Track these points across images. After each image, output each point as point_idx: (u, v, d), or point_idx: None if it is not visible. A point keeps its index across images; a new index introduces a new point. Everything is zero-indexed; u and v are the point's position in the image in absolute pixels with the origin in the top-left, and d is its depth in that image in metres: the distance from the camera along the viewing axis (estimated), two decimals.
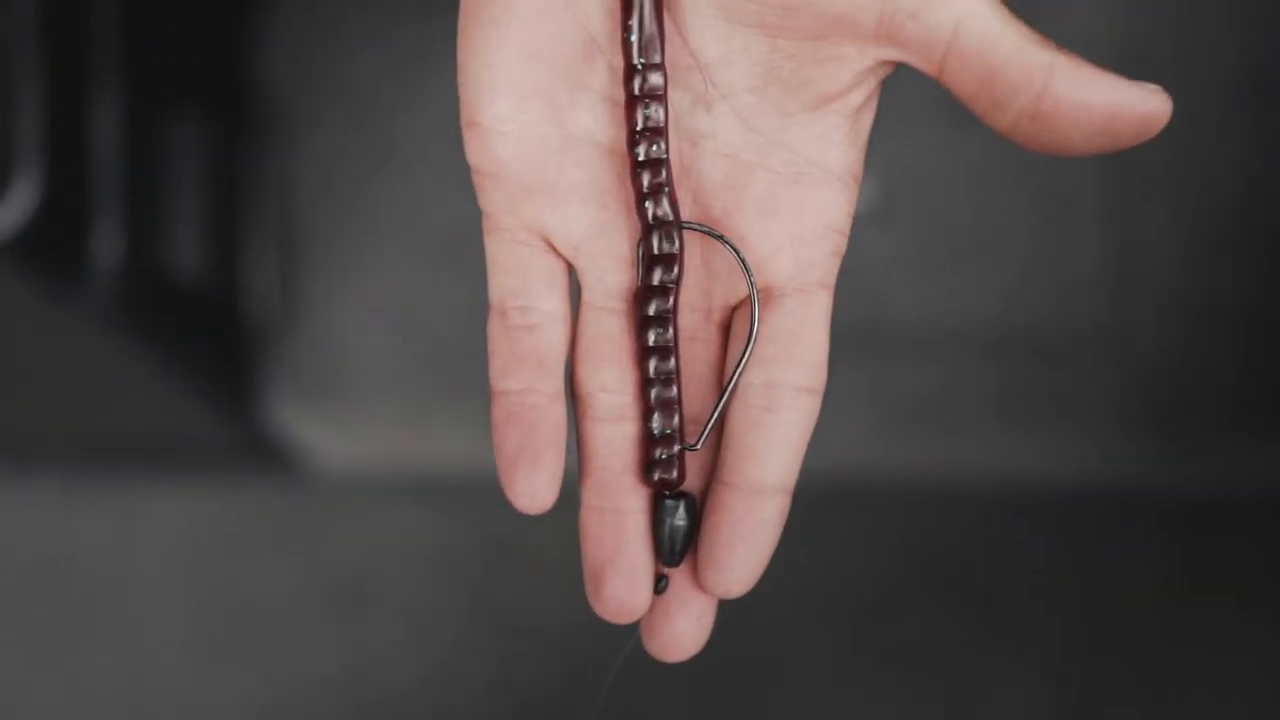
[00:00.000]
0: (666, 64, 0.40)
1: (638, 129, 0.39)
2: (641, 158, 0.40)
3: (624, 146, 0.40)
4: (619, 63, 0.40)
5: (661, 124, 0.40)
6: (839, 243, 0.41)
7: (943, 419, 1.03)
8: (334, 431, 1.07)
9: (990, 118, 0.39)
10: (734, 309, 0.41)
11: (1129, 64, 1.01)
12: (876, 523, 1.04)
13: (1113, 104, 0.38)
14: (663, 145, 0.40)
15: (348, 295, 1.06)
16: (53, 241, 0.87)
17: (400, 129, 1.05)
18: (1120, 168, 1.02)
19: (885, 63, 0.39)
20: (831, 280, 0.41)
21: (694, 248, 0.41)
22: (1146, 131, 0.39)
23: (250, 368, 1.06)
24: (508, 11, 0.39)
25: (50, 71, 0.85)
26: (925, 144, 1.01)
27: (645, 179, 0.40)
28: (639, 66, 0.39)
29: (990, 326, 1.02)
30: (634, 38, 0.39)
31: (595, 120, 0.40)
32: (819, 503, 0.90)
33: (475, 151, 0.40)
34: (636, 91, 0.39)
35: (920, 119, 1.02)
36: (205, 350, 1.03)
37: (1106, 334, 1.02)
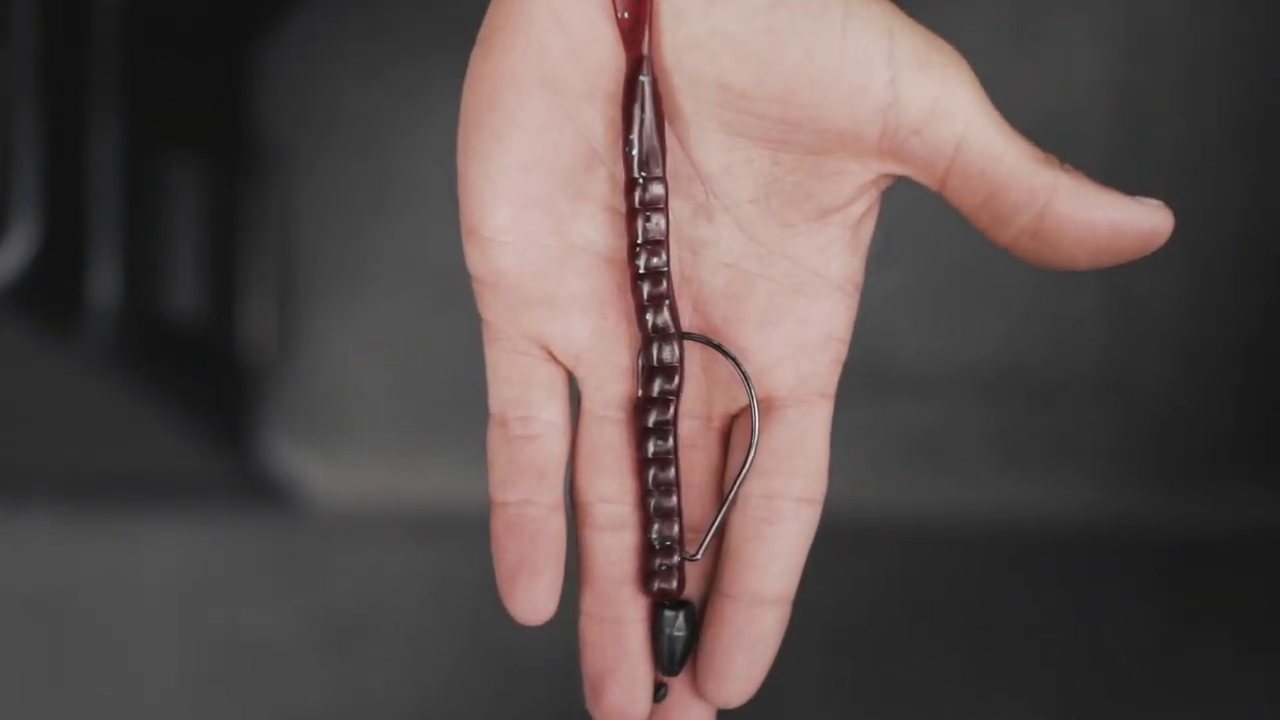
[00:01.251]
0: (667, 175, 0.39)
1: (638, 240, 0.39)
2: (642, 269, 0.40)
3: (625, 255, 0.40)
4: (620, 172, 0.40)
5: (662, 235, 0.39)
6: (840, 351, 0.41)
7: (940, 458, 1.03)
8: (331, 467, 1.07)
9: (992, 233, 0.39)
10: (734, 416, 0.41)
11: (1128, 107, 1.01)
12: (872, 561, 1.04)
13: (1115, 222, 0.38)
14: (664, 256, 0.40)
15: (345, 332, 1.06)
16: (50, 284, 0.87)
17: (398, 167, 1.05)
18: None
19: (887, 175, 0.39)
20: (832, 389, 0.41)
21: (694, 356, 0.41)
22: (1149, 246, 0.39)
23: (248, 404, 1.06)
24: (509, 123, 0.39)
25: (49, 116, 0.85)
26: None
27: (645, 289, 0.40)
28: (640, 180, 0.39)
29: (988, 366, 1.02)
30: (635, 152, 0.39)
31: (596, 229, 0.40)
32: (815, 540, 0.90)
33: (475, 260, 0.40)
34: (637, 204, 0.39)
35: None
36: (203, 388, 1.03)
37: (1104, 375, 1.02)
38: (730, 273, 0.40)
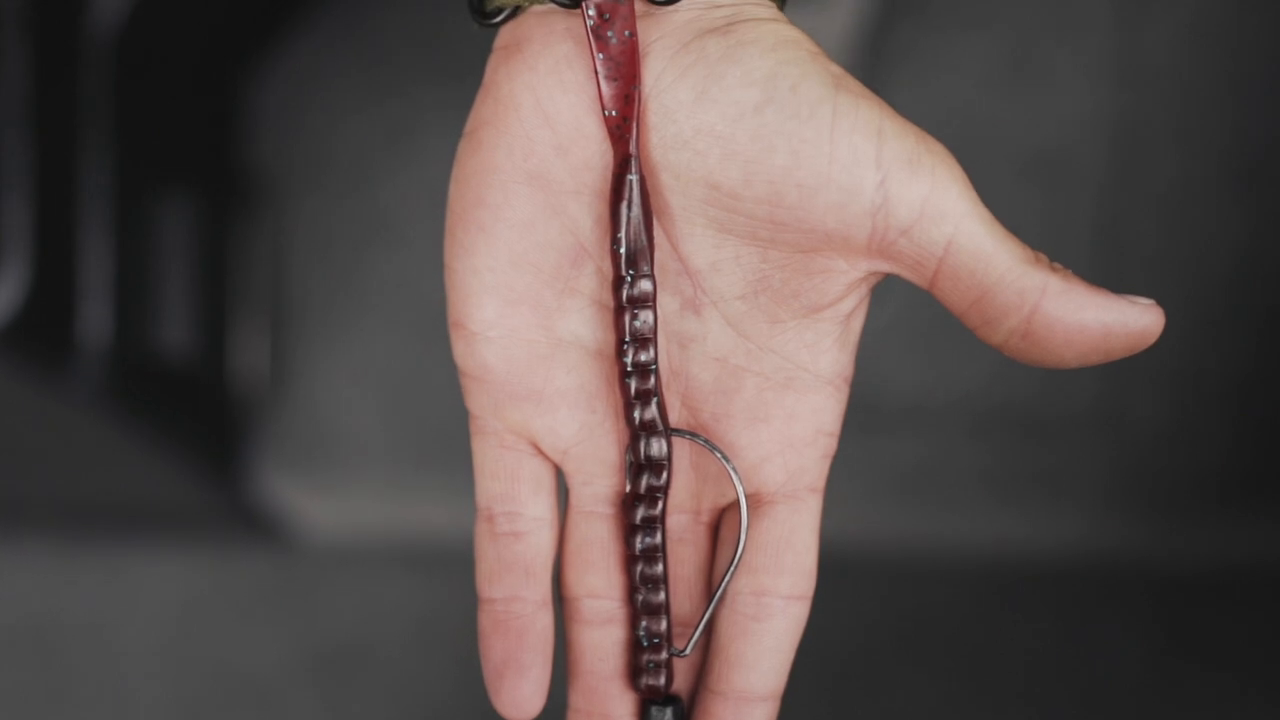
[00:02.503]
0: (655, 270, 0.39)
1: (626, 336, 0.39)
2: (630, 365, 0.39)
3: (613, 350, 0.40)
4: (608, 267, 0.39)
5: (650, 331, 0.39)
6: (830, 445, 0.40)
7: (932, 492, 1.03)
8: (321, 500, 1.07)
9: (982, 334, 0.39)
10: (723, 510, 0.41)
11: (1122, 142, 1.01)
12: (863, 593, 1.04)
13: (1105, 323, 0.38)
14: (651, 352, 0.39)
15: (336, 365, 1.06)
16: (41, 324, 0.87)
17: (389, 201, 1.05)
18: (1113, 246, 1.01)
19: (876, 273, 0.39)
20: (821, 483, 0.41)
21: (683, 451, 0.41)
22: (1140, 346, 0.38)
23: (239, 438, 1.06)
24: (496, 219, 0.39)
25: (39, 156, 0.85)
26: None
27: (633, 385, 0.39)
28: (627, 277, 0.39)
29: (981, 402, 1.01)
30: (622, 250, 0.38)
31: (584, 324, 0.40)
32: None
33: (462, 354, 0.40)
34: (625, 300, 0.39)
35: None
36: (194, 422, 1.03)
37: (1096, 411, 1.02)
38: (719, 367, 0.40)
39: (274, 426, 1.06)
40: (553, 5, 0.38)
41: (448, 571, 1.07)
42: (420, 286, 1.04)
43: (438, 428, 1.05)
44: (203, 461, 1.04)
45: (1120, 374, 1.02)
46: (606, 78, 0.37)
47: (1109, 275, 1.02)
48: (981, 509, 1.02)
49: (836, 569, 1.08)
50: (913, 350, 1.01)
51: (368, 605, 1.09)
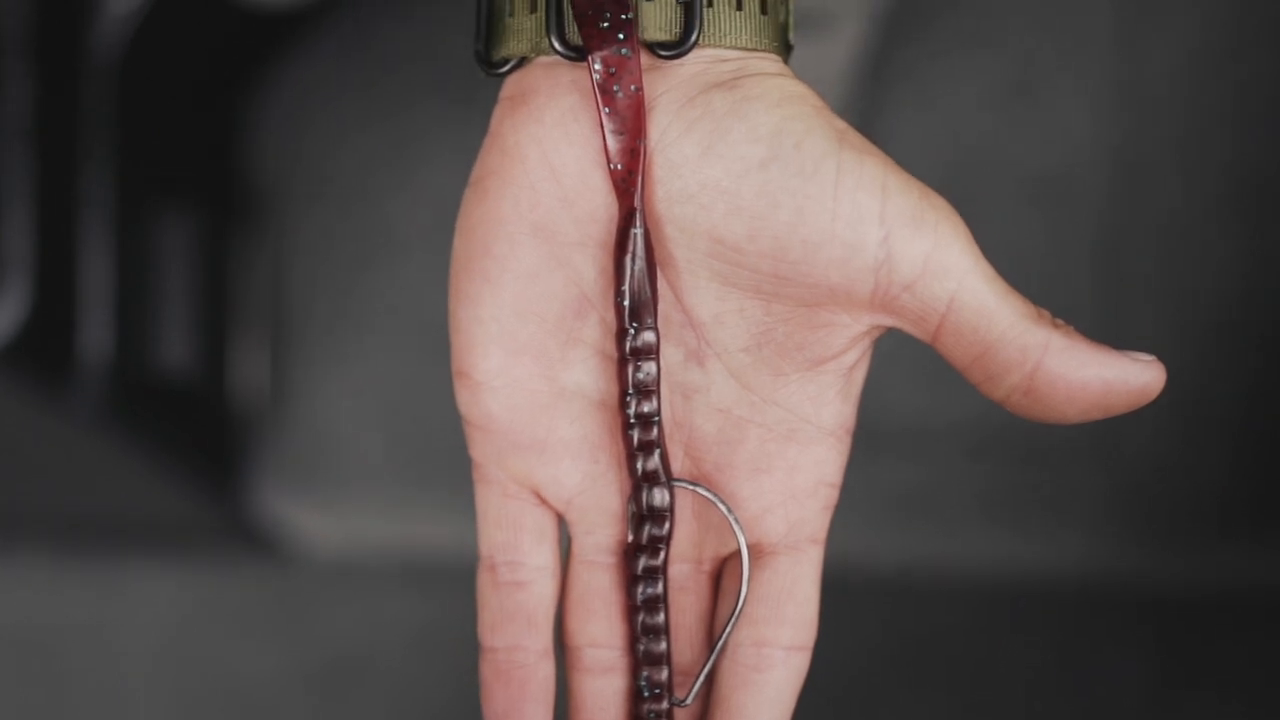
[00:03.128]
0: (659, 321, 0.39)
1: (629, 388, 0.39)
2: (633, 416, 0.39)
3: (616, 399, 0.40)
4: (612, 318, 0.39)
5: (653, 382, 0.39)
6: (831, 496, 0.41)
7: (931, 515, 1.03)
8: (320, 515, 1.07)
9: (984, 389, 0.39)
10: (725, 560, 0.41)
11: (1123, 166, 1.01)
12: (862, 616, 1.04)
13: (1107, 380, 0.38)
14: (654, 403, 0.39)
15: (337, 381, 1.06)
16: (41, 343, 0.87)
17: (390, 218, 1.05)
18: (1113, 269, 1.02)
19: (879, 326, 0.39)
20: (823, 534, 0.41)
21: (685, 501, 0.41)
22: (1141, 402, 0.38)
23: (239, 454, 1.06)
24: (500, 269, 0.39)
25: (40, 174, 0.85)
26: None
27: (636, 436, 0.40)
28: (631, 329, 0.39)
29: (980, 426, 1.02)
30: (626, 303, 0.39)
31: (587, 374, 0.40)
32: None
33: (465, 403, 0.40)
34: (628, 351, 0.39)
35: None
36: (194, 438, 1.03)
37: (1094, 436, 1.02)
38: (722, 418, 0.40)
39: (274, 442, 1.06)
40: (559, 57, 0.39)
41: (445, 587, 1.08)
42: (421, 303, 1.04)
43: (437, 444, 1.05)
44: (202, 477, 1.04)
45: None
46: (612, 132, 0.38)
47: (1109, 298, 1.02)
48: (981, 532, 1.02)
49: (836, 590, 1.08)
50: (913, 374, 1.01)
51: (365, 620, 1.09)
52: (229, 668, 1.09)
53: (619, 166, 0.38)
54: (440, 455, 1.05)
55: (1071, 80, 1.02)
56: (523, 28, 0.39)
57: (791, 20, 0.41)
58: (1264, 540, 1.02)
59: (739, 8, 0.39)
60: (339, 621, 1.09)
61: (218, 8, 0.93)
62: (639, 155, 0.38)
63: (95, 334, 0.90)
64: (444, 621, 1.08)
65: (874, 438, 1.01)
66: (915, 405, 1.02)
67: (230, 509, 1.06)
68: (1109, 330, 1.02)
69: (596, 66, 0.38)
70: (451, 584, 1.08)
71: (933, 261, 0.38)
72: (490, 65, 0.40)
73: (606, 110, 0.38)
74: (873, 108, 1.01)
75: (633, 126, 0.38)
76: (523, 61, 0.40)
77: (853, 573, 1.03)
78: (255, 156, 1.05)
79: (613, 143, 0.38)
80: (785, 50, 0.40)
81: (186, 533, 1.11)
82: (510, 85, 0.40)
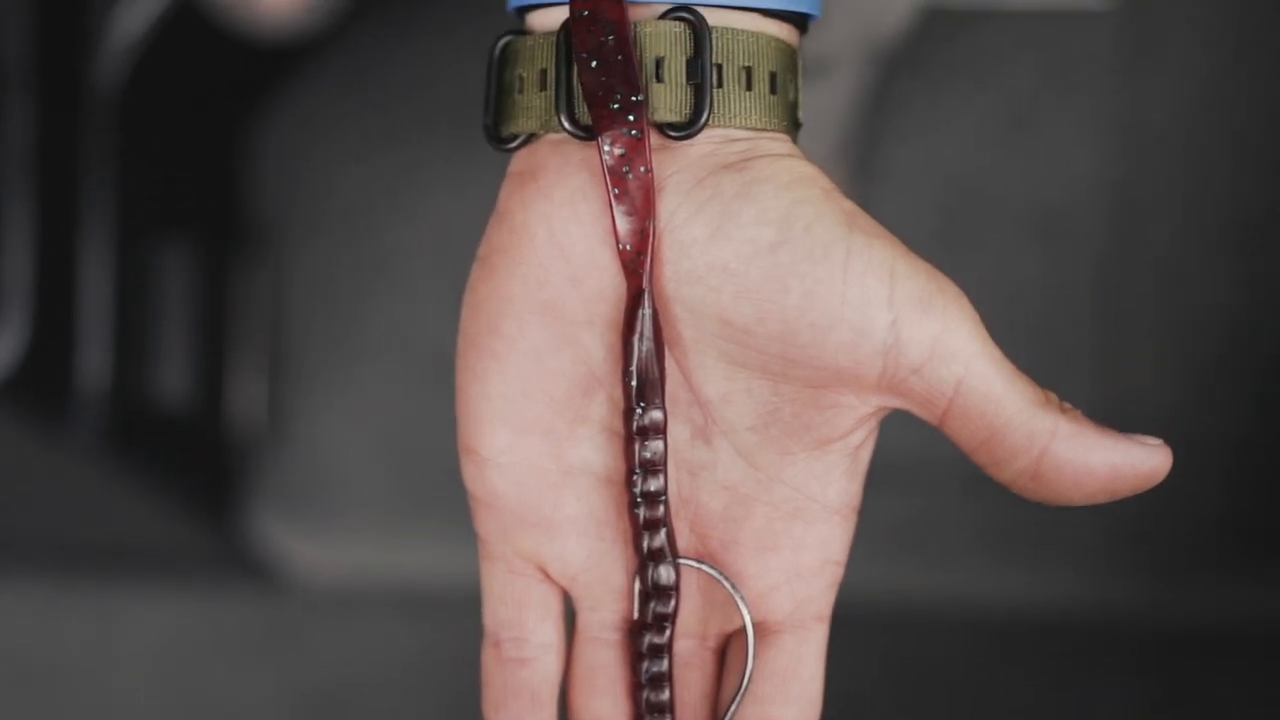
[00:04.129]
0: (666, 399, 0.39)
1: (636, 466, 0.39)
2: (639, 494, 0.39)
3: (622, 477, 0.40)
4: (619, 395, 0.39)
5: (660, 460, 0.39)
6: (837, 574, 0.41)
7: (926, 548, 1.03)
8: (317, 543, 1.07)
9: (990, 471, 0.39)
10: (730, 636, 0.41)
11: (1123, 202, 1.01)
12: (857, 648, 1.04)
13: (1114, 465, 0.38)
14: (661, 480, 0.39)
15: (334, 410, 1.06)
16: (39, 373, 0.87)
17: (389, 247, 1.05)
18: (1110, 308, 1.02)
19: (886, 407, 0.39)
20: (828, 612, 0.41)
21: (691, 577, 0.41)
22: (1147, 486, 0.39)
23: (236, 482, 1.06)
24: (509, 347, 0.39)
25: (40, 207, 0.85)
26: None
27: (642, 514, 0.40)
28: (638, 409, 0.39)
29: None
30: (633, 383, 0.39)
31: (594, 451, 0.40)
32: None
33: (472, 479, 0.40)
34: (635, 430, 0.39)
35: (909, 246, 1.02)
36: (191, 467, 1.03)
37: None
38: (728, 496, 0.40)
39: (271, 470, 1.06)
40: (567, 134, 0.39)
41: (441, 617, 1.08)
42: (419, 334, 1.04)
43: (433, 473, 1.05)
44: (199, 504, 1.04)
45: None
46: (622, 213, 0.38)
47: (1108, 333, 1.02)
48: (977, 565, 1.02)
49: (834, 623, 1.08)
50: None
51: (361, 648, 1.09)
52: (224, 695, 1.09)
53: (628, 247, 0.38)
54: (436, 484, 1.05)
55: (1071, 115, 1.02)
56: (532, 105, 0.39)
57: (800, 98, 0.41)
58: (1260, 574, 1.03)
59: (749, 88, 0.39)
60: (335, 649, 1.09)
61: (218, 40, 0.93)
62: (648, 236, 0.38)
63: (94, 363, 0.90)
64: (439, 650, 1.08)
65: (872, 470, 1.01)
66: (912, 438, 1.02)
67: (227, 536, 1.06)
68: (1107, 364, 1.02)
69: (606, 148, 0.38)
70: (447, 613, 1.08)
71: (940, 345, 0.38)
72: (499, 140, 0.40)
73: (616, 191, 0.38)
74: (872, 141, 1.01)
75: (642, 208, 0.38)
76: (531, 137, 0.40)
77: (849, 604, 1.02)
78: (254, 186, 1.05)
79: (622, 224, 0.38)
80: (794, 128, 0.40)
81: (183, 560, 1.11)
82: (518, 161, 0.40)
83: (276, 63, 1.02)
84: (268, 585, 1.07)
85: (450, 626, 1.09)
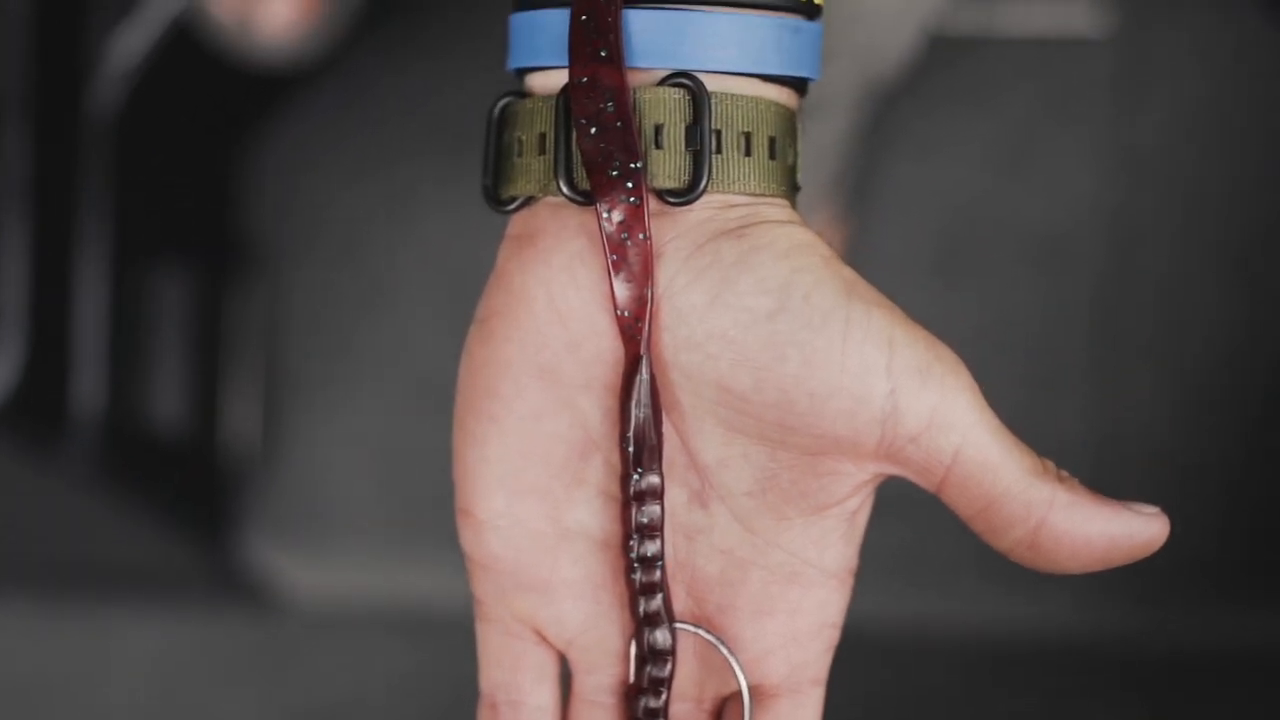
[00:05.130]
0: (663, 465, 0.39)
1: (632, 531, 0.39)
2: (636, 558, 0.39)
3: (619, 540, 0.40)
4: (616, 459, 0.39)
5: (657, 525, 0.39)
6: (833, 637, 0.41)
7: (923, 575, 1.03)
8: (309, 565, 1.07)
9: (987, 539, 0.39)
10: (725, 699, 0.41)
11: (1119, 235, 1.01)
12: (854, 675, 1.04)
13: (1112, 536, 0.38)
14: (658, 544, 0.39)
15: (328, 433, 1.06)
16: (34, 399, 0.87)
17: (383, 272, 1.05)
18: (1106, 335, 1.02)
19: (884, 474, 0.39)
20: (824, 675, 0.41)
21: (688, 641, 0.41)
22: (1143, 555, 0.39)
23: (229, 504, 1.06)
24: (506, 410, 0.39)
25: (36, 234, 0.85)
26: (913, 297, 1.01)
27: (639, 578, 0.40)
28: (635, 474, 0.39)
29: None
30: (631, 449, 0.39)
31: (591, 515, 0.40)
32: None
33: (468, 541, 0.40)
34: (632, 495, 0.39)
35: (909, 276, 1.02)
36: (186, 489, 1.03)
37: None
38: (725, 560, 0.40)
39: (265, 492, 1.06)
40: (566, 199, 0.39)
41: (433, 638, 1.08)
42: (413, 357, 1.04)
43: (426, 496, 1.05)
44: (193, 527, 1.04)
45: (1112, 460, 1.02)
46: (621, 279, 0.38)
47: (1105, 359, 1.02)
48: (974, 592, 1.03)
49: None
50: None
51: (354, 670, 1.09)
52: (217, 715, 1.09)
53: (626, 313, 0.38)
54: (428, 506, 1.04)
55: (1069, 141, 1.02)
56: (531, 168, 0.39)
57: (799, 161, 0.41)
58: (1255, 601, 1.03)
59: (748, 154, 0.39)
60: (328, 671, 1.09)
61: (213, 66, 0.93)
62: (646, 303, 0.38)
63: (89, 386, 0.90)
64: (431, 671, 1.08)
65: None
66: None
67: (221, 558, 1.06)
68: (1104, 388, 1.02)
69: (605, 214, 0.38)
70: (439, 634, 1.08)
71: (938, 415, 0.37)
72: (498, 202, 0.40)
73: (614, 258, 0.38)
74: (870, 167, 1.01)
75: (640, 274, 0.38)
76: (530, 200, 0.40)
77: (845, 631, 1.03)
78: (249, 211, 1.05)
79: (620, 290, 0.38)
80: (793, 192, 0.40)
81: (176, 581, 1.10)
82: (517, 223, 0.40)
83: (271, 88, 1.02)
84: (261, 606, 1.07)
85: (442, 647, 1.08)
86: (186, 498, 1.03)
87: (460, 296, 1.04)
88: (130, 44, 0.88)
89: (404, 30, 1.04)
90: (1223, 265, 1.01)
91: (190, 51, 0.91)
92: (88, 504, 0.98)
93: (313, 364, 1.05)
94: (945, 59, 1.00)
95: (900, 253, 1.02)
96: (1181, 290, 1.01)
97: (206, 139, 1.01)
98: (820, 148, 0.87)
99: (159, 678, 1.09)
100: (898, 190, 1.02)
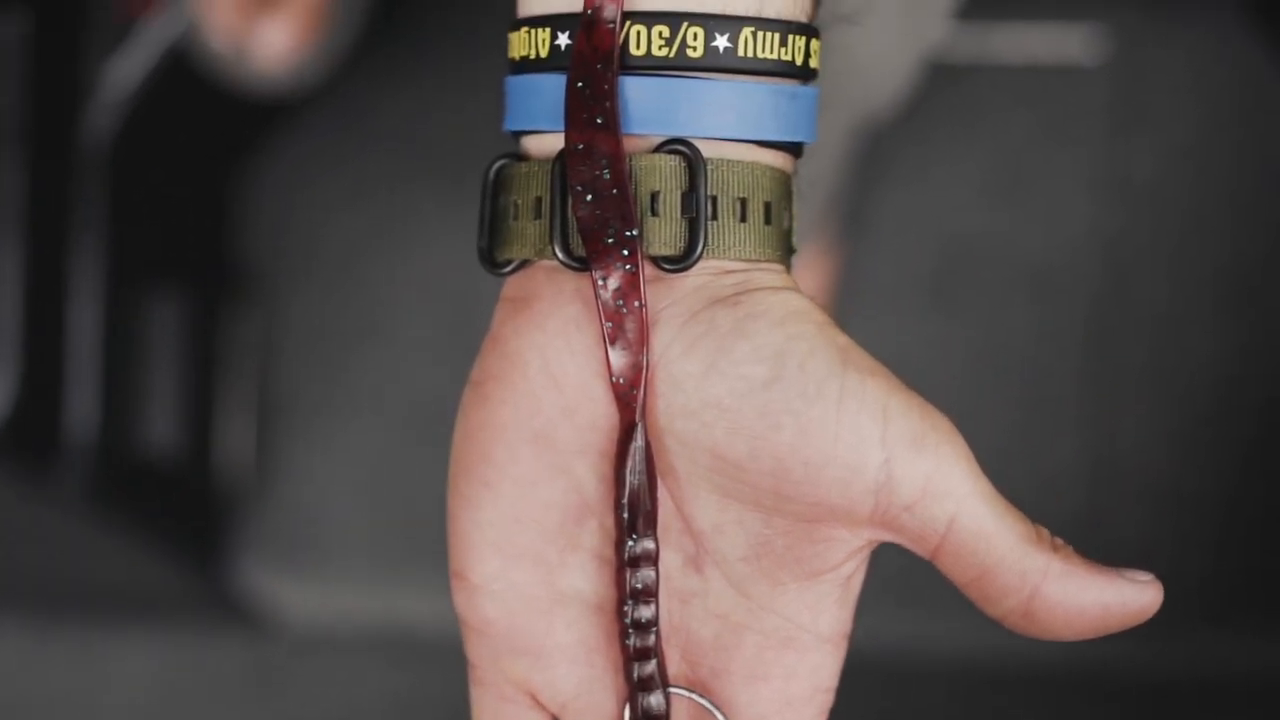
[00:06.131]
0: (658, 530, 0.39)
1: (627, 595, 0.39)
2: (630, 622, 0.39)
3: (613, 604, 0.40)
4: (610, 523, 0.39)
5: (652, 589, 0.39)
6: (826, 701, 0.41)
7: (918, 599, 1.03)
8: (303, 590, 1.07)
9: (981, 606, 0.39)
10: None
11: (1114, 262, 1.01)
12: (849, 699, 1.04)
13: (1106, 604, 0.38)
14: (652, 609, 0.39)
15: (321, 458, 1.06)
16: (27, 426, 0.87)
17: (378, 298, 1.05)
18: (1101, 362, 1.02)
19: (878, 539, 0.39)
20: None
21: (681, 705, 0.41)
22: (1138, 621, 0.39)
23: (222, 528, 1.05)
24: (500, 476, 0.39)
25: (31, 261, 0.85)
26: (909, 330, 1.01)
27: (633, 642, 0.40)
28: (630, 540, 0.39)
29: None
30: (626, 515, 0.39)
31: (585, 579, 0.40)
32: None
33: (462, 605, 0.40)
34: (626, 559, 0.39)
35: (903, 304, 1.02)
36: (179, 515, 1.03)
37: (1082, 524, 1.02)
38: (719, 624, 0.40)
39: (258, 518, 1.06)
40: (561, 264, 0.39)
41: (426, 662, 1.07)
42: (407, 382, 1.04)
43: (419, 521, 1.05)
44: (187, 552, 1.04)
45: (1105, 490, 1.02)
46: (616, 347, 0.38)
47: (1098, 390, 1.02)
48: (969, 616, 1.02)
49: None
50: None
51: (346, 695, 1.09)
52: None
53: (621, 380, 0.38)
54: (422, 531, 1.04)
55: (1063, 170, 1.02)
56: (526, 232, 0.39)
57: (795, 225, 0.41)
58: (1249, 629, 1.03)
59: (743, 219, 0.39)
60: (320, 694, 1.09)
61: (208, 94, 0.93)
62: (642, 370, 0.38)
63: (82, 413, 0.90)
64: (423, 695, 1.08)
65: None
66: None
67: (214, 583, 1.06)
68: (1098, 419, 1.02)
69: (601, 282, 0.38)
70: (432, 658, 1.08)
71: (933, 484, 0.38)
72: (493, 264, 0.40)
73: (610, 325, 0.38)
74: (864, 194, 1.01)
75: (636, 342, 0.38)
76: (526, 262, 0.40)
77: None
78: (244, 236, 1.05)
79: (616, 358, 0.38)
80: (789, 255, 0.40)
81: (170, 605, 1.10)
82: (512, 286, 0.40)
83: (267, 115, 1.02)
84: (253, 630, 1.07)
85: (435, 672, 1.08)
86: (180, 522, 1.03)
87: (456, 322, 1.04)
88: (126, 71, 0.87)
89: (400, 55, 1.04)
90: (1218, 293, 1.01)
91: (186, 79, 0.91)
92: (81, 527, 0.98)
93: (307, 389, 1.05)
94: (939, 85, 1.00)
95: (894, 279, 1.02)
96: (1176, 318, 1.01)
97: (202, 166, 1.01)
98: (813, 176, 0.87)
99: (153, 701, 1.09)
100: (892, 217, 1.02)
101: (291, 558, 1.06)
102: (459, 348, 1.00)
